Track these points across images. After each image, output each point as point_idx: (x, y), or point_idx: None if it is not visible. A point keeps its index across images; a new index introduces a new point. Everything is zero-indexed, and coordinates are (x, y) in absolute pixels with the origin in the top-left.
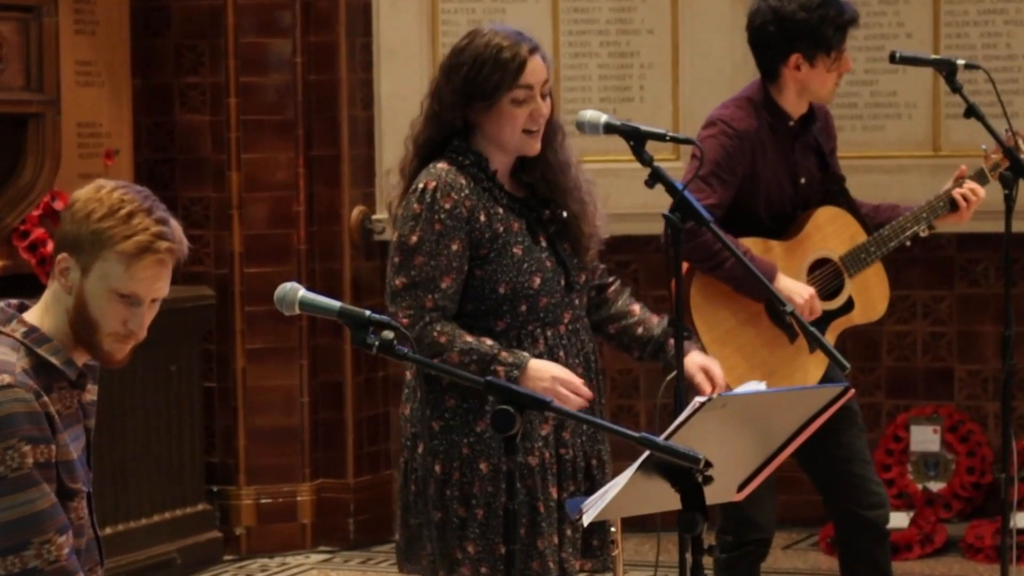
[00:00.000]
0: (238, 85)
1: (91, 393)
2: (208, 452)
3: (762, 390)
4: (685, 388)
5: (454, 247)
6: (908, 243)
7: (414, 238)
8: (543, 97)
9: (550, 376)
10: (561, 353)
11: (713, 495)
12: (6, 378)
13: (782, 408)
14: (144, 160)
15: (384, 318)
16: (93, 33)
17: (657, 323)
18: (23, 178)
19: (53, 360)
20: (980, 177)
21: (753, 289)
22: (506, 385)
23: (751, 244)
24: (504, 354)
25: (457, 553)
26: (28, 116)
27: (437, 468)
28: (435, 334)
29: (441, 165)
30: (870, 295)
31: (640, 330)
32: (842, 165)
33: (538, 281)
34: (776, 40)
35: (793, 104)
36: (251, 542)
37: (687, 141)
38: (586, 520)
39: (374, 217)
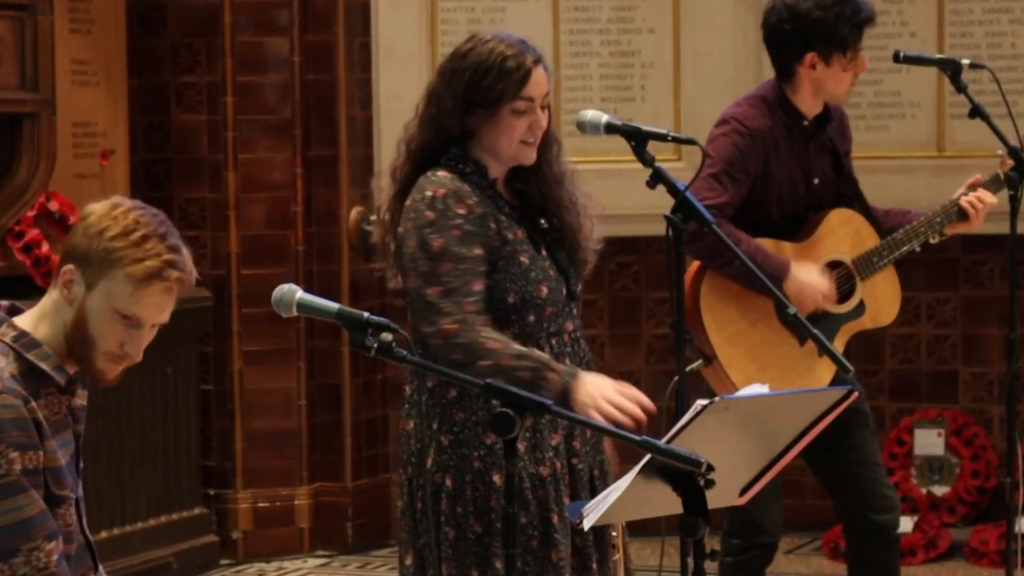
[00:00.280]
0: (235, 84)
1: (81, 398)
2: (205, 455)
3: (764, 393)
4: (687, 391)
5: (476, 251)
6: (918, 248)
7: (436, 244)
8: (542, 109)
9: (609, 386)
10: (566, 362)
11: (715, 499)
12: None
13: (785, 411)
14: (140, 160)
15: (383, 320)
16: (88, 32)
17: None
18: (18, 178)
19: (42, 365)
20: (996, 181)
21: (762, 286)
22: (505, 388)
23: (763, 244)
24: (556, 363)
25: (474, 572)
26: (23, 116)
27: (448, 482)
28: (483, 339)
29: (442, 173)
30: (881, 299)
31: None
32: None
33: (545, 290)
34: (791, 38)
35: (808, 104)
36: (248, 546)
37: (689, 141)
38: (587, 524)
39: (372, 218)
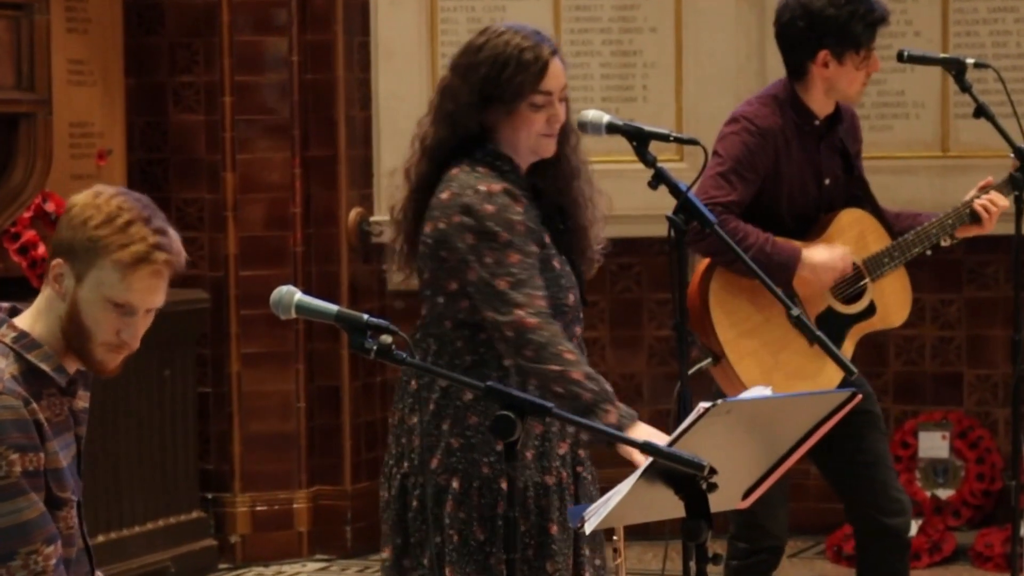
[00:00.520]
0: (233, 84)
1: (83, 400)
2: (202, 458)
3: (767, 395)
4: (690, 393)
5: (534, 248)
6: (929, 251)
7: (503, 237)
8: (560, 101)
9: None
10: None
11: (718, 502)
12: None
13: (788, 414)
14: (137, 160)
15: (382, 322)
16: (85, 31)
17: None
18: (14, 179)
19: (43, 366)
20: (1010, 183)
21: (775, 277)
22: (506, 390)
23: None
24: (619, 402)
25: None
26: (19, 116)
27: (455, 485)
28: (562, 347)
29: (482, 170)
30: (890, 300)
31: None
32: None
33: (572, 298)
34: (804, 36)
35: (820, 103)
36: (246, 550)
37: (691, 141)
38: (588, 528)
39: (372, 219)
